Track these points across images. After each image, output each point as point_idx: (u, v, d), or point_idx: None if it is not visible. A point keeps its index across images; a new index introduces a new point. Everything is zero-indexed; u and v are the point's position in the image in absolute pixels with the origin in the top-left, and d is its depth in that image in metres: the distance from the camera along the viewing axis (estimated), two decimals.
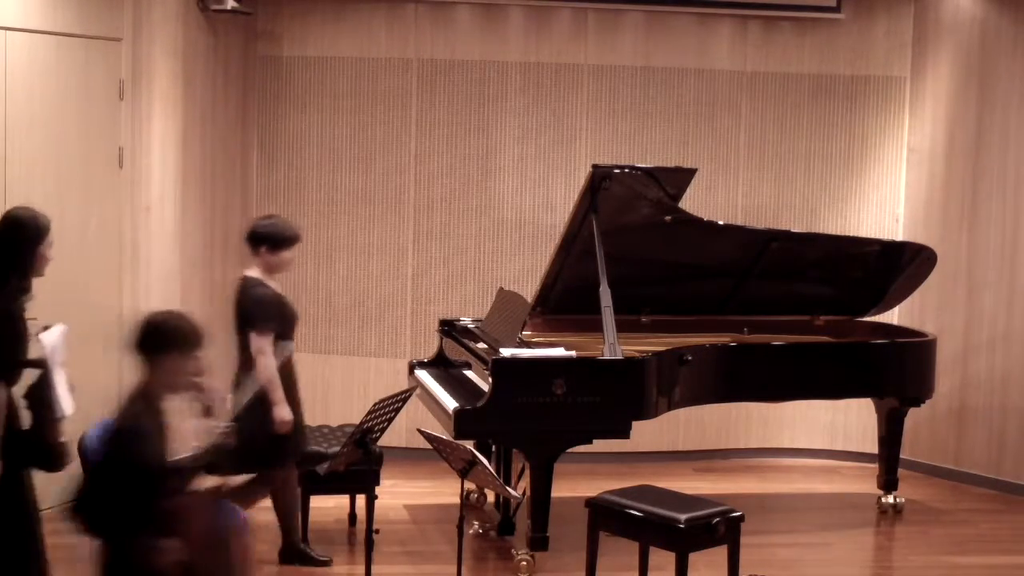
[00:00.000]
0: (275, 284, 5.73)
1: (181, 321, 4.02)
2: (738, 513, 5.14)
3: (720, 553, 5.09)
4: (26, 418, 4.37)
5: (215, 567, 4.01)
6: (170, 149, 7.08)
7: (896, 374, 6.82)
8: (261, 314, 5.55)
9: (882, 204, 8.23)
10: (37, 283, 6.30)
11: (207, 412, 4.07)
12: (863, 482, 7.57)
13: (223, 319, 7.78)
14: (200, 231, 7.46)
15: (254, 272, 5.70)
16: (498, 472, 6.29)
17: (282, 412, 5.48)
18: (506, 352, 5.81)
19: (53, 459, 4.36)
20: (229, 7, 7.32)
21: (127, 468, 3.87)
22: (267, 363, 5.47)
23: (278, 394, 5.49)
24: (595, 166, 6.04)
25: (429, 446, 5.07)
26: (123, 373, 6.71)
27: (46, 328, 4.35)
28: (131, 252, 6.82)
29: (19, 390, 4.34)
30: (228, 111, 7.76)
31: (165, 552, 3.87)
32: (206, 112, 7.49)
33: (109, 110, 6.68)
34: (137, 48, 6.77)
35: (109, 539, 3.99)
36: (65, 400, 4.28)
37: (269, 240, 5.65)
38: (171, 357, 3.95)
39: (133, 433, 3.91)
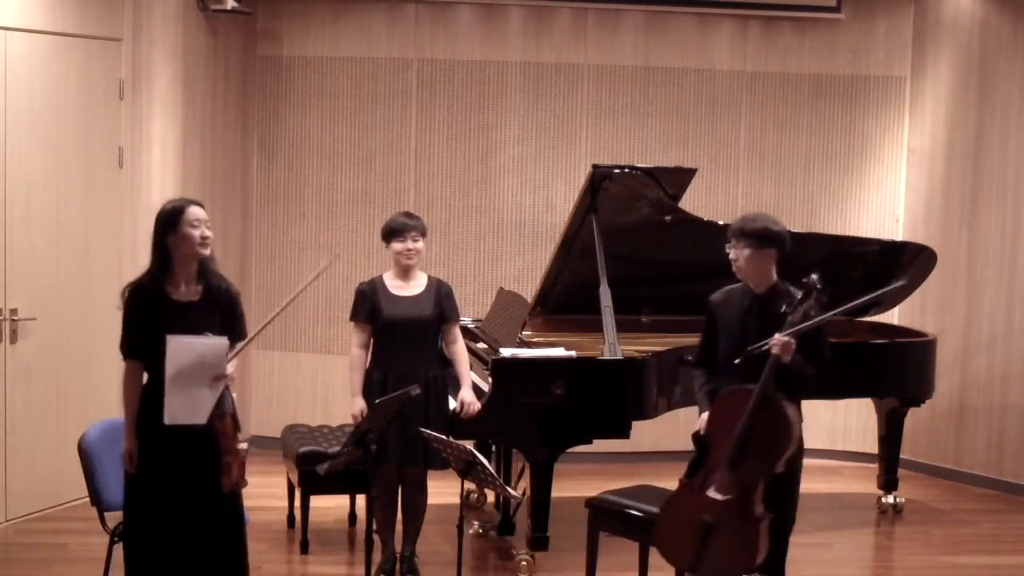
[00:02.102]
0: (402, 281, 5.60)
1: (781, 226, 4.78)
2: None
3: None
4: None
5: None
6: (170, 149, 7.08)
7: (896, 374, 6.82)
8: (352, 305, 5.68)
9: (882, 204, 8.23)
10: (36, 280, 6.33)
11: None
12: (863, 482, 7.57)
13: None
14: None
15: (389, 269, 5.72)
16: (498, 472, 6.29)
17: (353, 405, 5.50)
18: (506, 352, 5.81)
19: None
20: (229, 7, 7.32)
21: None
22: (351, 353, 5.63)
23: (351, 385, 5.56)
24: (595, 166, 6.04)
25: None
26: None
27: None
28: (131, 252, 6.81)
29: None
30: (228, 111, 7.76)
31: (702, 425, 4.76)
32: (206, 112, 7.49)
33: (109, 110, 6.68)
34: (137, 48, 6.77)
35: None
36: (170, 409, 4.20)
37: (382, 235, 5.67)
38: (767, 252, 4.69)
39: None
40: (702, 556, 4.56)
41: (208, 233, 4.34)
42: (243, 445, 4.45)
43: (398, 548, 5.70)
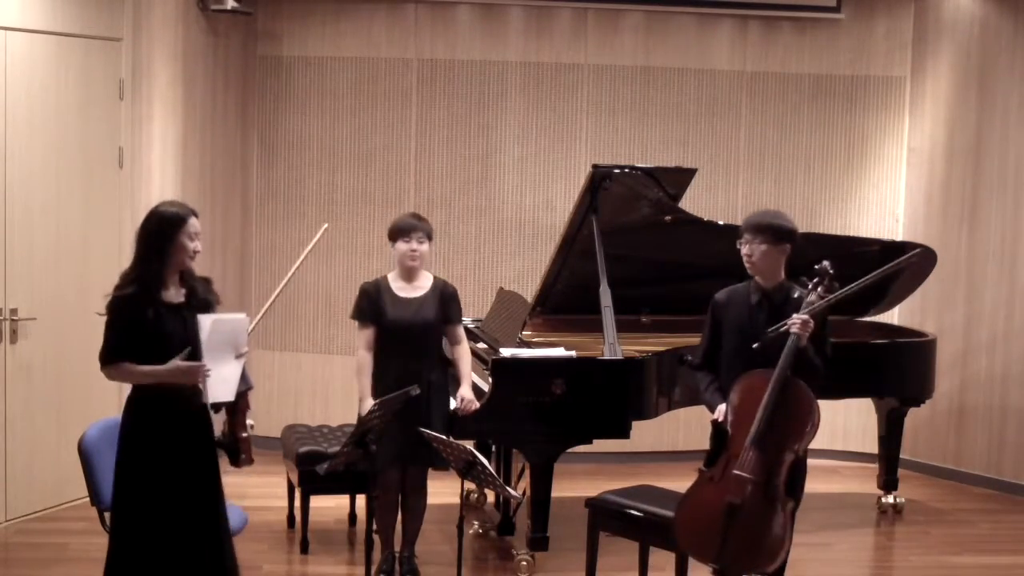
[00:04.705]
0: (406, 282, 5.61)
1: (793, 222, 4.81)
2: None
3: None
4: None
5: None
6: (170, 149, 7.08)
7: (896, 374, 6.82)
8: (355, 305, 5.63)
9: (882, 204, 8.23)
10: (36, 280, 6.33)
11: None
12: (863, 482, 7.57)
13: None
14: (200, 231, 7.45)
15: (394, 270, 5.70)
16: (498, 472, 6.29)
17: (363, 408, 5.47)
18: (506, 352, 5.81)
19: (229, 453, 4.44)
20: (229, 7, 7.33)
21: None
22: (357, 355, 5.59)
23: (360, 388, 5.53)
24: (595, 166, 6.04)
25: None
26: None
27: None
28: (131, 252, 6.80)
29: None
30: (228, 111, 7.76)
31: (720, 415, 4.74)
32: (206, 112, 7.49)
33: (109, 110, 6.68)
34: (137, 48, 6.77)
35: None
36: (212, 388, 4.20)
37: (389, 235, 5.66)
38: (782, 247, 4.74)
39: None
40: (728, 543, 4.54)
41: (200, 248, 4.33)
42: (251, 422, 4.51)
43: (397, 548, 5.71)
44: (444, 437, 4.97)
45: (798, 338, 4.54)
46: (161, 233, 4.28)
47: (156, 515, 4.27)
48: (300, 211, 8.02)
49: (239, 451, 4.43)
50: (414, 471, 5.59)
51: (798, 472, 4.70)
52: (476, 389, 5.82)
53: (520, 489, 6.05)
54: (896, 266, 5.26)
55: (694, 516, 4.69)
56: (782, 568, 4.85)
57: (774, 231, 4.71)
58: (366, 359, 5.54)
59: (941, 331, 7.42)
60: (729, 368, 4.81)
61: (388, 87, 7.96)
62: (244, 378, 4.38)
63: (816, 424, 4.62)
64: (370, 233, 7.94)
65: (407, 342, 5.52)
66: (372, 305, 5.56)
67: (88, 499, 4.88)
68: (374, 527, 5.43)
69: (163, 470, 4.27)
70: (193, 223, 4.31)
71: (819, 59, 8.14)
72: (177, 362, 4.16)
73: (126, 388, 4.42)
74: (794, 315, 4.58)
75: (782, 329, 4.58)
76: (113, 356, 4.24)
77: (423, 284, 5.62)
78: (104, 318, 4.28)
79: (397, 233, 5.60)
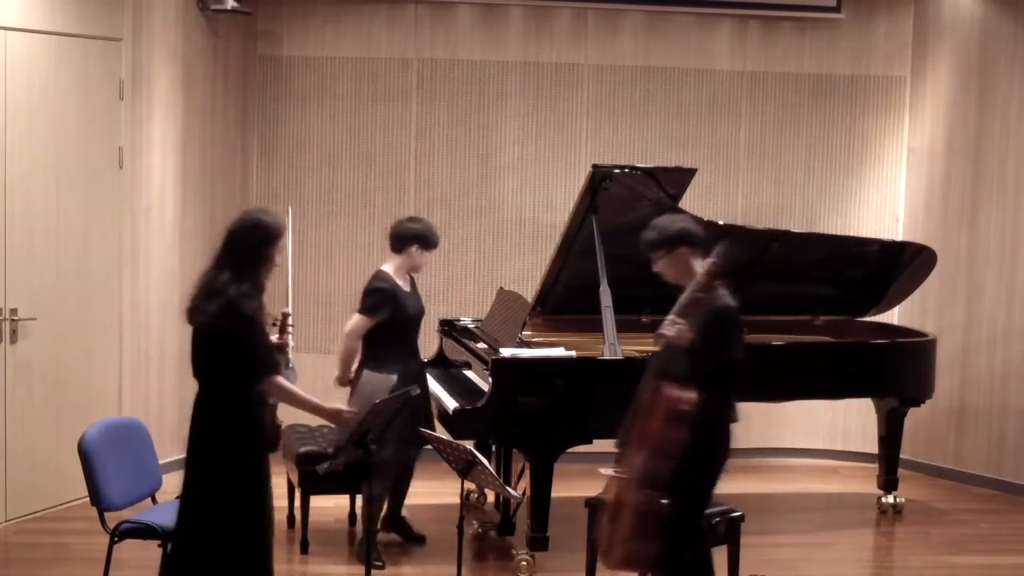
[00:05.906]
0: (402, 278, 5.88)
1: (684, 221, 4.82)
2: (738, 513, 5.15)
3: (720, 553, 5.09)
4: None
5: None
6: (170, 149, 7.08)
7: (896, 374, 6.82)
8: (366, 301, 5.76)
9: (882, 204, 8.23)
10: (36, 280, 6.33)
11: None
12: (863, 482, 7.57)
13: None
14: (200, 231, 7.46)
15: (387, 266, 5.88)
16: (498, 472, 6.29)
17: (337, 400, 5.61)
18: (506, 352, 5.81)
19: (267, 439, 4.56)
20: (229, 7, 7.32)
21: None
22: (345, 343, 5.81)
23: (341, 375, 5.85)
24: (595, 166, 6.04)
25: (429, 446, 5.09)
26: (123, 372, 6.74)
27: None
28: (131, 252, 6.83)
29: None
30: (228, 111, 7.76)
31: None
32: (206, 112, 7.49)
33: (109, 110, 6.68)
34: (137, 48, 6.77)
35: None
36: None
37: (421, 240, 5.83)
38: (678, 252, 4.71)
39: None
40: (608, 539, 4.55)
41: (279, 263, 4.42)
42: None
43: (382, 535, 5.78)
44: (444, 437, 4.98)
45: (663, 337, 4.49)
46: (263, 243, 4.30)
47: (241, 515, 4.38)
48: (300, 211, 8.00)
49: (279, 438, 4.66)
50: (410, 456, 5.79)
51: (690, 477, 4.50)
52: (476, 389, 5.83)
53: (520, 489, 6.05)
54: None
55: (603, 515, 4.72)
56: (689, 568, 4.71)
57: (661, 244, 4.74)
58: (357, 349, 5.79)
59: (941, 331, 7.42)
60: None
61: (388, 87, 7.97)
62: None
63: (681, 428, 4.40)
64: (370, 233, 7.93)
65: (415, 333, 5.88)
66: (391, 303, 5.73)
67: (88, 499, 4.89)
68: (377, 526, 5.44)
69: (245, 469, 4.39)
70: (285, 238, 4.42)
71: (819, 59, 8.14)
72: (339, 407, 4.66)
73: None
74: (668, 316, 4.54)
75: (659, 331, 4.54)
76: (271, 369, 4.32)
77: (407, 279, 5.95)
78: (206, 332, 4.33)
79: (432, 244, 5.84)
